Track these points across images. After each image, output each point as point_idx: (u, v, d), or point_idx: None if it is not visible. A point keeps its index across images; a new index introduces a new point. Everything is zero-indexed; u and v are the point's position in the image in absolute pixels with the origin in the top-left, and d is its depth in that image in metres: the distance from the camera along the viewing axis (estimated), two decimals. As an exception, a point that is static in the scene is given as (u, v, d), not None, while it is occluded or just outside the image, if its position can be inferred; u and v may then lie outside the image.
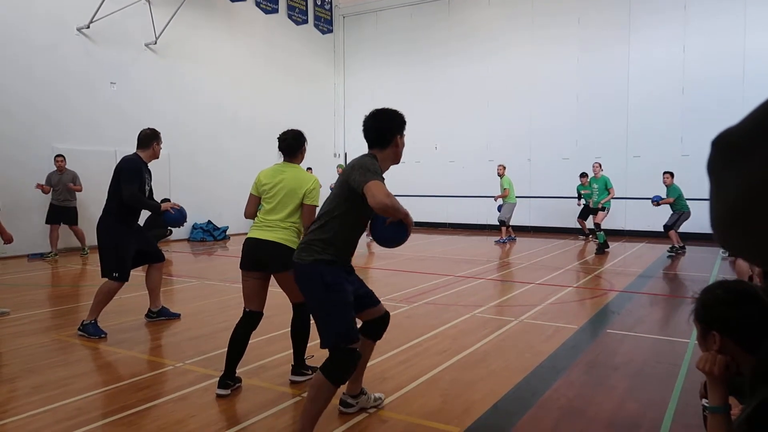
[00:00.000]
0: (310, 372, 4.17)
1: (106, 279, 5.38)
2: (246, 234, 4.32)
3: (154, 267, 5.91)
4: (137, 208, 5.50)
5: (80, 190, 10.80)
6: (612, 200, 12.64)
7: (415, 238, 11.85)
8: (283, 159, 4.26)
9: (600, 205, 12.43)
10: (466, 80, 16.99)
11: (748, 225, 0.61)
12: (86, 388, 4.00)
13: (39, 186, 10.46)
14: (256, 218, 4.13)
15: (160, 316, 5.98)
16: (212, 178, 14.61)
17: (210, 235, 14.08)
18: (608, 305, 6.82)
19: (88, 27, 11.90)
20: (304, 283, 3.07)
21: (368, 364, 4.50)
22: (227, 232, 14.53)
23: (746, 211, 0.61)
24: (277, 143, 4.27)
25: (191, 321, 5.99)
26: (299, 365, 4.19)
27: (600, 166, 12.80)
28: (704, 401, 1.99)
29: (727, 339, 1.85)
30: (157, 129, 5.76)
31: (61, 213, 10.65)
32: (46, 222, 10.64)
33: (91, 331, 5.28)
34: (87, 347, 5.04)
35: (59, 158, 10.67)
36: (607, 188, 12.46)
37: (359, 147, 15.39)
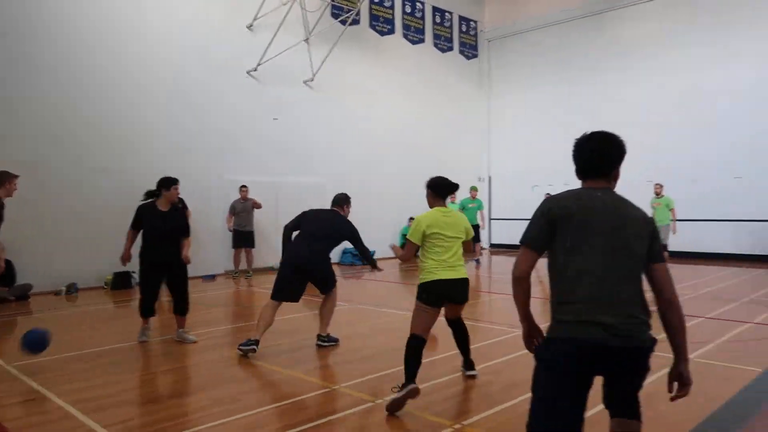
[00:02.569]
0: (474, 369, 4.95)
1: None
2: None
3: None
4: None
5: (260, 207, 12.19)
6: None
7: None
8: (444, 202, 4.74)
9: None
10: (618, 97, 16.08)
11: None
12: (255, 404, 4.34)
13: (230, 225, 12.11)
14: (440, 262, 4.48)
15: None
16: (362, 202, 15.19)
17: (359, 259, 14.64)
18: (799, 346, 5.97)
19: (256, 69, 13.16)
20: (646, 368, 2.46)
21: (519, 399, 4.38)
22: (374, 257, 15.01)
23: None
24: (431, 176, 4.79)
25: (344, 345, 6.25)
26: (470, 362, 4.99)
27: None
28: None
29: None
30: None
31: (243, 237, 12.09)
32: (233, 246, 12.18)
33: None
34: (253, 365, 5.47)
35: (243, 188, 12.18)
36: None
37: (504, 170, 15.27)
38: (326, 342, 6.16)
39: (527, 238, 2.51)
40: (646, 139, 15.10)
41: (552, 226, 2.45)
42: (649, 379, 2.83)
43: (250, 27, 13.20)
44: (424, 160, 17.01)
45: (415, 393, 4.11)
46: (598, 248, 2.38)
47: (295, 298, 6.06)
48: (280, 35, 12.95)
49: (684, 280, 11.22)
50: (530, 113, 18.35)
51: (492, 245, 19.10)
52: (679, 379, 2.45)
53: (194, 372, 5.40)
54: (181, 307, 6.35)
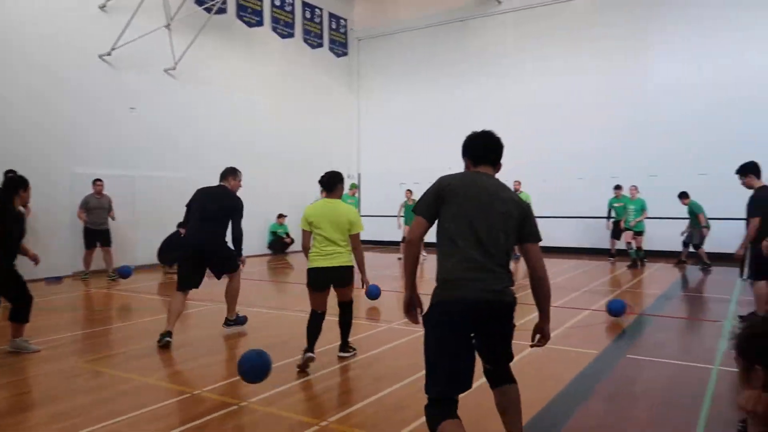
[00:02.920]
0: (351, 351, 5.37)
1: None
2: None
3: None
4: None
5: (114, 219, 11.20)
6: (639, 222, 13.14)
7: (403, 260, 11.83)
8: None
9: (632, 224, 12.94)
10: (480, 100, 17.05)
11: None
12: (105, 416, 4.00)
13: (82, 218, 10.88)
14: (318, 250, 5.03)
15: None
16: (228, 200, 14.73)
17: (226, 257, 14.12)
18: (628, 329, 6.72)
19: (110, 54, 12.16)
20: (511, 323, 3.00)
21: (386, 392, 4.48)
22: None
23: None
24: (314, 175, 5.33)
25: (206, 346, 5.99)
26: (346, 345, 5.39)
27: (636, 188, 13.15)
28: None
29: None
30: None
31: (99, 236, 10.98)
32: (86, 246, 10.96)
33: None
34: (104, 374, 5.06)
35: (98, 183, 11.00)
36: (643, 210, 12.95)
37: (372, 167, 15.44)
38: (233, 324, 6.50)
39: (419, 209, 2.96)
40: (506, 141, 16.06)
41: (440, 200, 2.90)
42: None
43: (102, 7, 12.17)
44: (294, 156, 16.85)
45: (309, 360, 4.91)
46: (475, 220, 2.83)
47: (197, 285, 6.22)
48: (137, 19, 12.07)
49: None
50: (398, 113, 18.84)
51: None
52: (541, 333, 3.07)
53: (35, 385, 4.86)
54: (23, 313, 5.70)
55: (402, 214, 14.54)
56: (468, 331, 2.83)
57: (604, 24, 15.46)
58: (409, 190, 14.75)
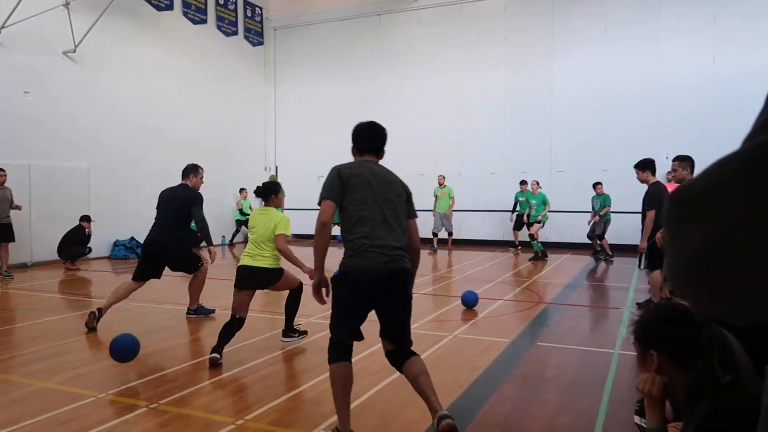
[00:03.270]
0: (296, 335, 5.56)
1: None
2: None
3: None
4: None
5: (20, 209, 10.38)
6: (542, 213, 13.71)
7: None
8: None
9: (539, 218, 13.50)
10: (395, 95, 17.20)
11: (704, 278, 0.62)
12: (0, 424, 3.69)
13: None
14: (247, 251, 5.37)
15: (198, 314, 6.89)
16: (135, 192, 13.94)
17: (133, 252, 13.46)
18: (537, 317, 7.03)
19: (-1, 32, 11.20)
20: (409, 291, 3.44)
21: (305, 387, 4.43)
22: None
23: (703, 265, 0.62)
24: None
25: (114, 346, 5.66)
26: (289, 329, 5.57)
27: (538, 183, 13.75)
28: (639, 420, 2.05)
29: (665, 357, 1.90)
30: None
31: (1, 231, 10.03)
32: None
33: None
34: (-3, 379, 4.66)
35: (1, 172, 10.06)
36: (544, 203, 13.43)
37: (290, 160, 15.20)
38: (192, 314, 6.80)
39: (327, 194, 3.27)
40: (421, 135, 16.36)
41: (343, 185, 3.26)
42: (424, 356, 3.01)
43: (-9, -19, 11.18)
44: (209, 147, 16.25)
45: (213, 361, 4.86)
46: (375, 201, 3.26)
47: (155, 276, 6.57)
48: (32, -5, 11.18)
49: (455, 263, 12.48)
50: (315, 104, 18.63)
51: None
52: None
53: None
54: None
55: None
56: (369, 295, 3.24)
57: (516, 21, 16.01)
58: None
